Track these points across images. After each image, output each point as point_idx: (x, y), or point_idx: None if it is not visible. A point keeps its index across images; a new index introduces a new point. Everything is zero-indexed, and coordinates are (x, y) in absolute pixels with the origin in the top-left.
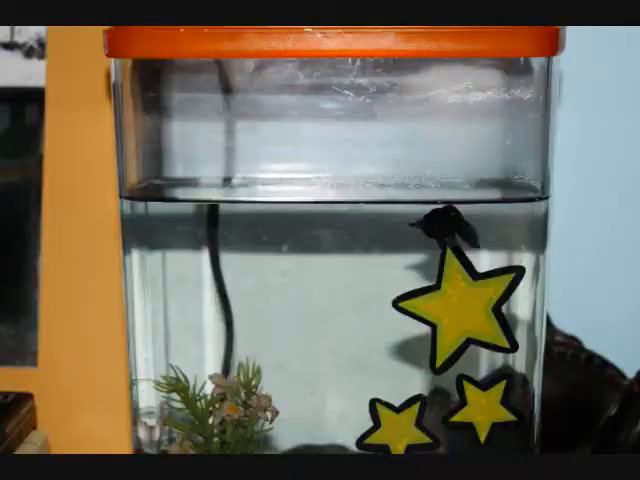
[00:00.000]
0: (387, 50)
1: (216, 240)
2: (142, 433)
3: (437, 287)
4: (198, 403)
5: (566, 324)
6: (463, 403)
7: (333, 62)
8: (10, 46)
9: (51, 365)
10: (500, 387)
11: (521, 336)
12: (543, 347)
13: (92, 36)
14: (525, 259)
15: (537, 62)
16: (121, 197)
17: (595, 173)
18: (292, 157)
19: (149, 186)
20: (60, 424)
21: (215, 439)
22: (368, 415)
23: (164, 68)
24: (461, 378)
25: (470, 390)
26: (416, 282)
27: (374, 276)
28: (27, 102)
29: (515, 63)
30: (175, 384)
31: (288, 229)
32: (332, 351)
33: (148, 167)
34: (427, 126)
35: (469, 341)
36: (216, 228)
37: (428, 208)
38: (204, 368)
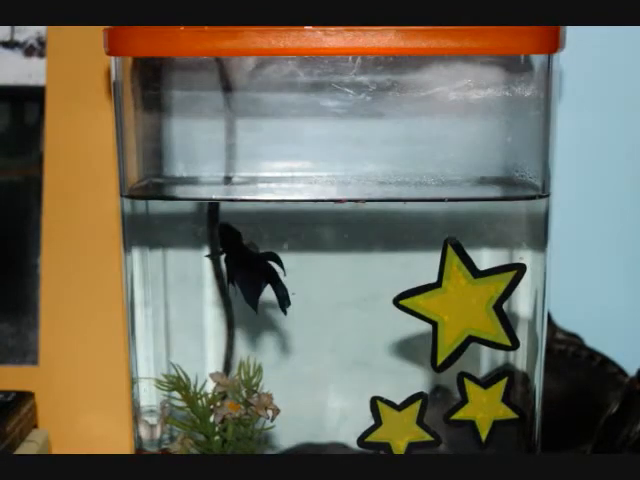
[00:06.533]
0: (387, 48)
1: (217, 238)
2: (143, 432)
3: (438, 285)
4: (199, 401)
5: (567, 322)
6: (464, 401)
7: (333, 60)
8: (10, 45)
9: (52, 364)
10: (501, 385)
11: (522, 334)
12: (544, 345)
13: (92, 34)
14: (526, 256)
15: (538, 59)
16: (122, 196)
17: (596, 170)
18: (293, 155)
19: (150, 184)
20: (61, 423)
21: (216, 437)
22: (369, 413)
23: (164, 66)
24: (462, 376)
25: (471, 388)
26: (417, 280)
27: (375, 274)
28: (27, 101)
29: (516, 61)
30: (176, 382)
31: (289, 227)
32: (333, 349)
33: (148, 165)
34: (428, 124)
35: (470, 339)
36: (217, 226)
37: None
38: (205, 366)
